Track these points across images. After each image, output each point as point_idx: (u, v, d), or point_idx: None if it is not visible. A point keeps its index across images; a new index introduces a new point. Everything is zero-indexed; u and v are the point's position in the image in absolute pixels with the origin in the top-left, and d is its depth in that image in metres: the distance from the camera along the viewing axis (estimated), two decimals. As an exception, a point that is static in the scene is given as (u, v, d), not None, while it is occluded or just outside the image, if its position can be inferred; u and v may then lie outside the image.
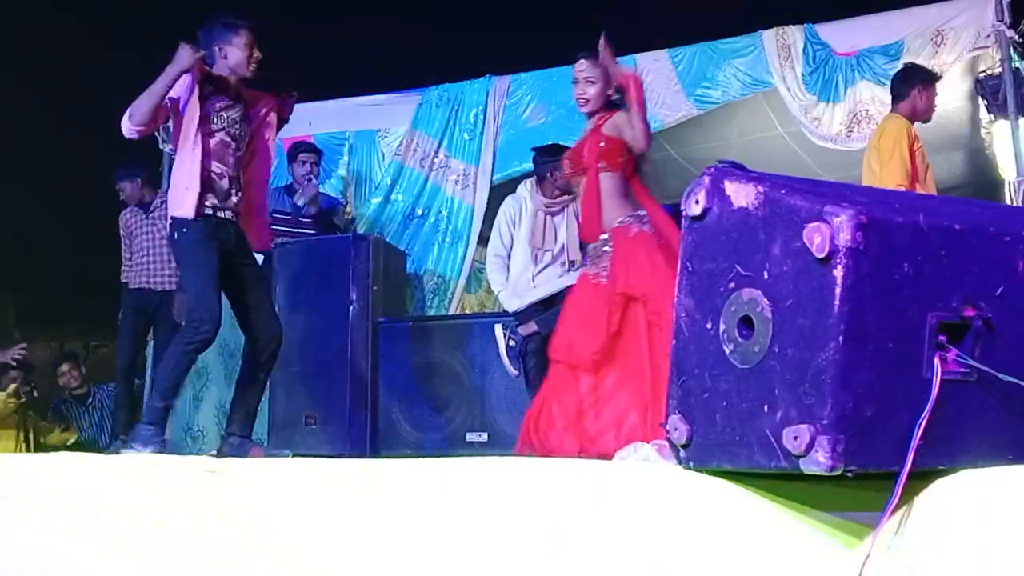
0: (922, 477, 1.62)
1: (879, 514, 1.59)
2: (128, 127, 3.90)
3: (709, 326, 1.77)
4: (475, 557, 1.71)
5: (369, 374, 5.12)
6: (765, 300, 1.66)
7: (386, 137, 6.64)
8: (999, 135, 5.61)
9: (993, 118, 5.63)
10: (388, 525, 1.70)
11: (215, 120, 3.99)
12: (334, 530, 1.68)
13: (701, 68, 5.89)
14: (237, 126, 4.06)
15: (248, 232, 4.13)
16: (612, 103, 3.66)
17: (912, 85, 4.75)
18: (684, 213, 1.87)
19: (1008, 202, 5.44)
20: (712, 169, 1.83)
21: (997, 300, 1.68)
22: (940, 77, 4.96)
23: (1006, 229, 1.72)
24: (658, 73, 5.94)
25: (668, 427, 1.82)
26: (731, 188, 1.77)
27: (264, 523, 1.73)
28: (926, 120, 4.84)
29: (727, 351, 1.73)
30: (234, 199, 4.02)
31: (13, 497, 1.90)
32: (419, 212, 6.39)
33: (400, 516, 1.72)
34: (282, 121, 4.30)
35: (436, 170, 6.41)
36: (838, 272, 1.55)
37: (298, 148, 5.81)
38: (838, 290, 1.54)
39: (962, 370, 1.64)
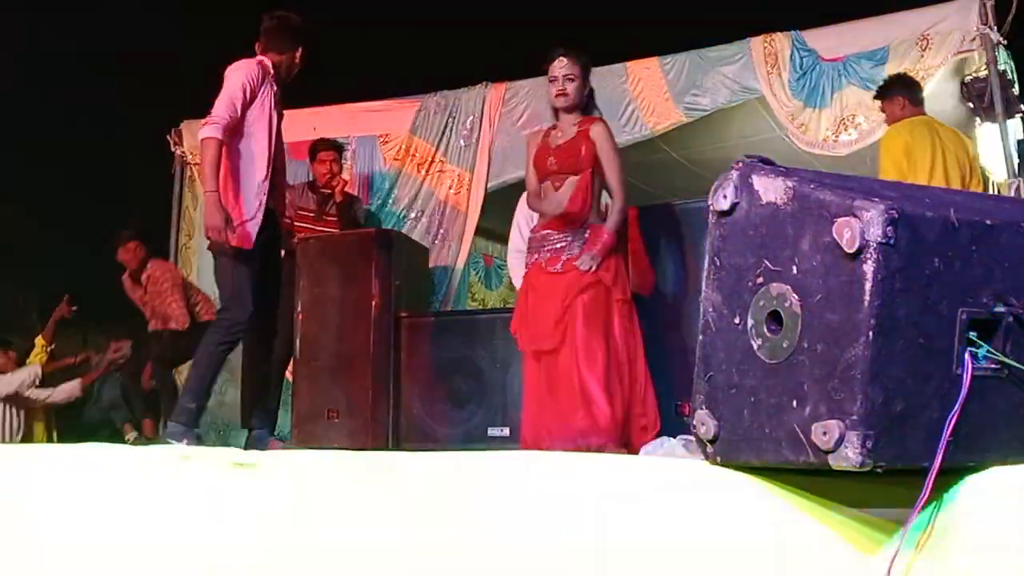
0: (951, 473, 1.61)
1: (908, 511, 1.58)
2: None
3: (737, 321, 1.77)
4: (498, 550, 1.71)
5: (391, 369, 5.13)
6: (794, 295, 1.66)
7: (387, 142, 6.72)
8: (985, 138, 5.57)
9: (979, 121, 5.59)
10: (410, 518, 1.71)
11: (275, 119, 4.06)
12: (357, 521, 1.68)
13: (691, 76, 5.92)
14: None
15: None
16: (588, 104, 4.02)
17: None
18: (711, 208, 1.86)
19: None
20: (740, 164, 1.82)
21: (1028, 296, 1.67)
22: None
23: (1037, 224, 1.71)
24: (648, 81, 6.00)
25: (695, 422, 1.81)
26: (759, 183, 1.77)
27: (291, 515, 1.74)
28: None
29: (755, 346, 1.72)
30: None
31: (41, 487, 1.92)
32: (412, 215, 6.51)
33: (421, 509, 1.73)
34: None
35: (432, 175, 6.51)
36: (868, 267, 1.54)
37: (317, 146, 5.83)
38: (868, 285, 1.54)
39: (992, 366, 1.63)
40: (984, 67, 5.35)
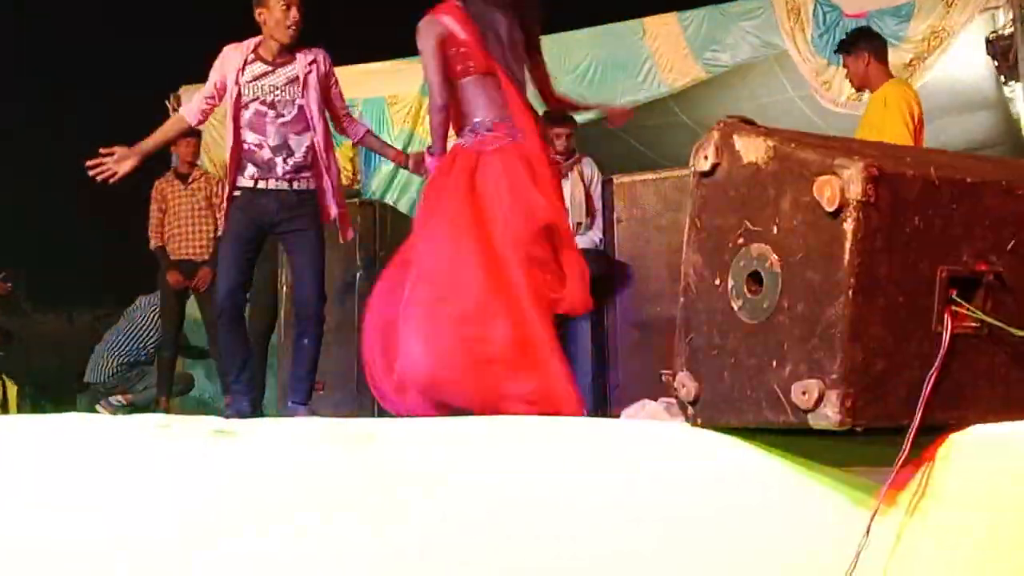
0: (932, 432, 1.61)
1: (889, 470, 1.58)
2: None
3: (717, 283, 1.76)
4: (479, 516, 1.71)
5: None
6: (774, 255, 1.65)
7: (395, 104, 6.58)
8: (1020, 97, 5.55)
9: (1004, 79, 5.57)
10: (392, 484, 1.70)
11: (246, 91, 4.00)
12: (339, 489, 1.68)
13: (710, 31, 5.85)
14: (278, 92, 4.01)
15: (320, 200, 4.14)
16: None
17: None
18: (693, 169, 1.85)
19: None
20: (721, 124, 1.81)
21: (1009, 254, 1.66)
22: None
23: (1018, 183, 1.70)
24: (666, 37, 5.90)
25: (676, 384, 1.81)
26: (741, 143, 1.75)
27: (271, 482, 1.73)
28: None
29: (735, 307, 1.71)
30: (284, 167, 4.00)
31: (16, 457, 1.91)
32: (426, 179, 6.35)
33: (404, 475, 1.72)
34: (324, 77, 4.15)
35: (423, 124, 6.36)
36: (848, 226, 1.53)
37: None
38: (848, 244, 1.53)
39: (973, 325, 1.62)
40: (1010, 24, 5.31)
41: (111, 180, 4.05)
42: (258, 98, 4.00)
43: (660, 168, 5.24)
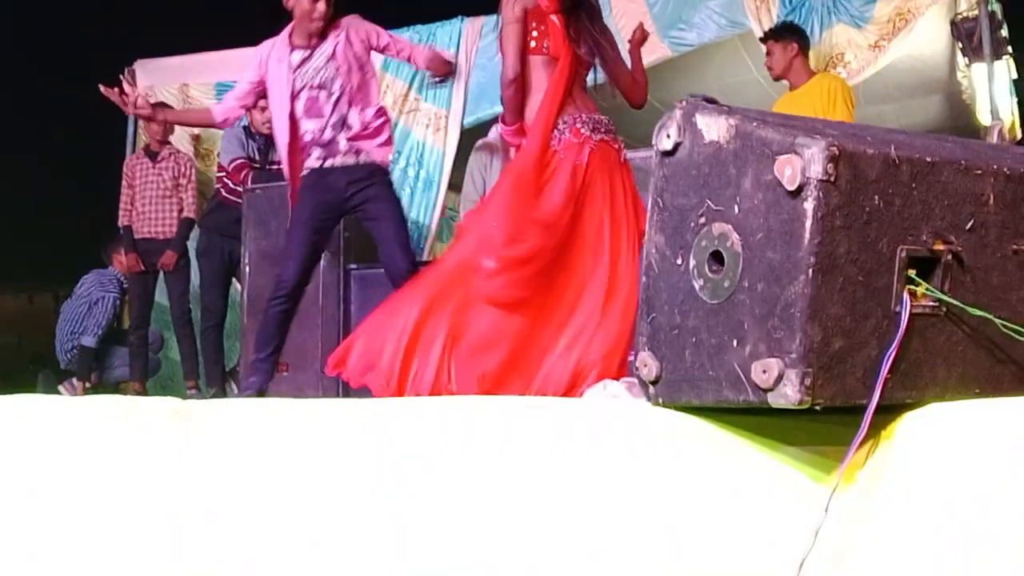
0: (890, 411, 1.62)
1: (847, 448, 1.59)
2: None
3: (679, 262, 1.76)
4: (441, 496, 1.70)
5: (341, 321, 5.09)
6: (735, 234, 1.65)
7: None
8: (976, 79, 5.60)
9: (968, 62, 5.61)
10: (349, 464, 1.69)
11: (298, 81, 4.00)
12: (297, 469, 1.66)
13: (676, 10, 5.84)
14: (323, 72, 4.00)
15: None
16: None
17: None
18: (656, 148, 1.84)
19: None
20: (684, 103, 1.80)
21: (967, 234, 1.67)
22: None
23: (977, 163, 1.71)
24: (632, 15, 5.86)
25: (638, 364, 1.81)
26: (703, 122, 1.74)
27: (228, 463, 1.71)
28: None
29: (697, 287, 1.71)
30: (345, 142, 4.01)
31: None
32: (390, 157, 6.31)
33: (362, 455, 1.71)
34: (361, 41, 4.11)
35: (407, 113, 6.32)
36: (808, 205, 1.53)
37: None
38: (808, 223, 1.53)
39: (931, 304, 1.63)
40: (975, 7, 5.35)
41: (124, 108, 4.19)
42: (307, 84, 4.00)
43: (626, 147, 5.23)
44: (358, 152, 4.02)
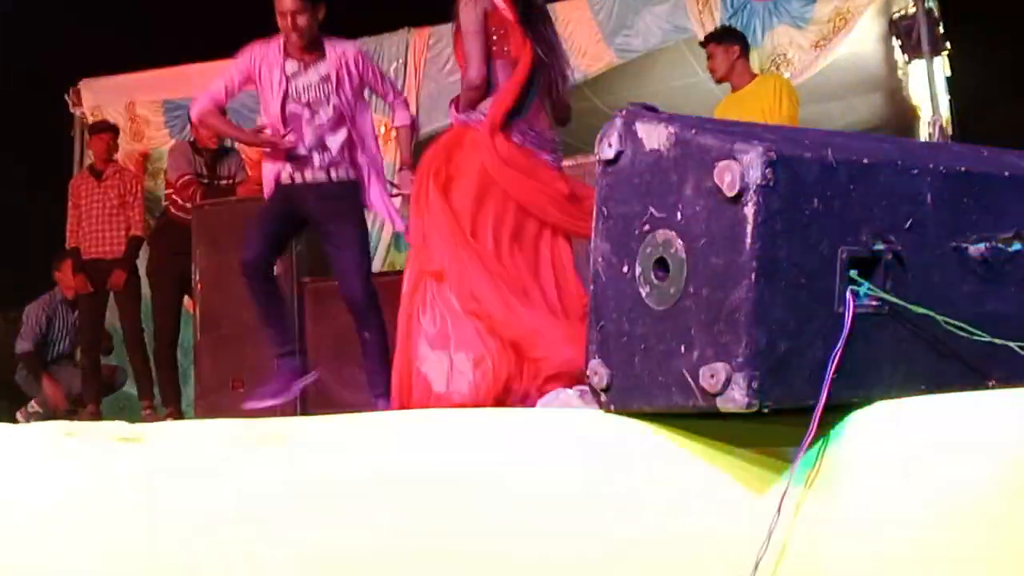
0: (838, 410, 1.64)
1: (797, 448, 1.60)
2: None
3: (625, 270, 1.76)
4: (395, 508, 1.69)
5: (296, 335, 5.05)
6: (679, 241, 1.66)
7: None
8: (914, 76, 5.70)
9: (907, 59, 5.71)
10: (305, 482, 1.67)
11: (291, 92, 3.91)
12: (244, 490, 1.65)
13: (621, 16, 5.89)
14: (312, 91, 3.92)
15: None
16: None
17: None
18: (598, 157, 1.85)
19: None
20: (623, 111, 1.81)
21: (906, 233, 1.69)
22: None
23: (914, 162, 1.73)
24: (579, 23, 5.92)
25: (589, 372, 1.81)
26: (643, 130, 1.76)
27: (178, 486, 1.69)
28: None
29: (643, 294, 1.72)
30: (320, 163, 3.94)
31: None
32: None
33: (318, 472, 1.70)
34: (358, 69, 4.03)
35: None
36: (749, 210, 1.55)
37: None
38: (749, 228, 1.54)
39: (874, 303, 1.65)
40: (912, 5, 5.44)
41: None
42: (295, 97, 3.92)
43: (577, 154, 5.25)
44: (329, 169, 3.96)
